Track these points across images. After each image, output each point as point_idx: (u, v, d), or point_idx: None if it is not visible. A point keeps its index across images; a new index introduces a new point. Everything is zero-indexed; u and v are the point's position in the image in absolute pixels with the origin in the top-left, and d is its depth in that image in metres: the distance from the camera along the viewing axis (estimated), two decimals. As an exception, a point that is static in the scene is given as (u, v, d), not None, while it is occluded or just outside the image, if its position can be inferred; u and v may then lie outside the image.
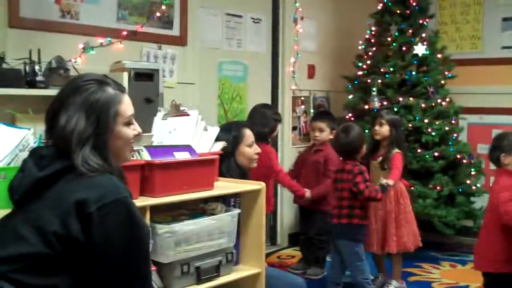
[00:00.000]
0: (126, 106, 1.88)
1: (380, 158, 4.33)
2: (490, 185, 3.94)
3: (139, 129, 1.95)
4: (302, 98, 5.89)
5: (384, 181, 4.02)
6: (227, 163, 3.13)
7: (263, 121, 4.39)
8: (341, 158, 4.13)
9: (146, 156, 2.49)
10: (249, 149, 3.28)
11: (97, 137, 1.78)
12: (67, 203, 1.68)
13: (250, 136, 3.31)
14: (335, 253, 4.13)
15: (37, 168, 1.75)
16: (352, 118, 5.52)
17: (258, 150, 3.33)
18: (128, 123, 1.89)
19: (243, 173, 3.22)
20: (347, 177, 3.96)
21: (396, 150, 4.31)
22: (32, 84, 3.47)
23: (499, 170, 3.51)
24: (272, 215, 5.55)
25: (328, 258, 4.81)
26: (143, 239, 1.77)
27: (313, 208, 4.77)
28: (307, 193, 4.66)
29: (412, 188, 4.87)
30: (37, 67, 3.51)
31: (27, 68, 3.50)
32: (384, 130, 4.33)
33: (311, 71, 6.03)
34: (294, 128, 5.84)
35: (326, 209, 4.67)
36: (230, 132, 3.22)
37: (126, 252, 1.72)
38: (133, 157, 2.49)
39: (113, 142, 1.83)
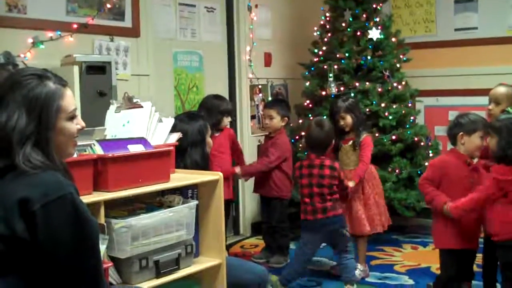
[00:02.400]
0: (69, 101, 1.82)
1: (351, 141, 4.38)
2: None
3: (83, 123, 1.90)
4: (260, 87, 5.87)
5: (350, 184, 4.17)
6: (193, 156, 3.16)
7: (209, 112, 4.35)
8: (312, 153, 4.10)
9: (98, 150, 2.44)
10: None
11: (39, 134, 1.73)
12: (10, 202, 1.62)
13: (208, 126, 3.43)
14: (314, 247, 4.12)
15: None
16: (310, 105, 5.52)
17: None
18: (71, 118, 1.84)
19: (205, 166, 3.27)
20: (331, 173, 3.97)
21: (365, 133, 4.43)
22: (-21, 81, 3.36)
23: (451, 150, 3.57)
24: (234, 205, 5.53)
25: (292, 246, 4.84)
26: (92, 235, 1.72)
27: (266, 195, 4.77)
28: (237, 169, 4.65)
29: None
30: (-16, 64, 3.41)
31: (-27, 64, 3.41)
32: (348, 120, 4.39)
33: (267, 59, 6.01)
34: (253, 117, 5.82)
35: (282, 195, 4.71)
36: (195, 122, 3.27)
37: (74, 250, 1.67)
38: (85, 151, 2.44)
39: (56, 138, 1.78)
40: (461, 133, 3.45)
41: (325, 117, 4.77)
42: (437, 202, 3.42)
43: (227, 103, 4.61)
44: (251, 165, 4.77)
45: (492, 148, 3.26)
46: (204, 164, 3.21)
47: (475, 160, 3.55)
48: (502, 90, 3.86)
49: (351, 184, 4.19)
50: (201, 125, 3.29)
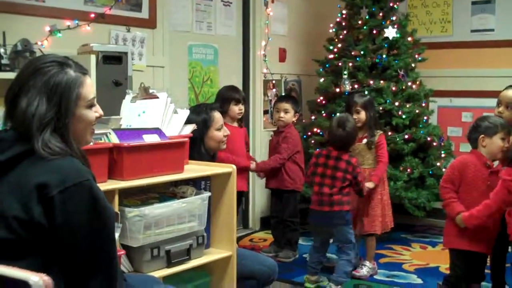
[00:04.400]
0: (88, 89, 1.84)
1: (365, 140, 4.37)
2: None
3: (101, 112, 1.92)
4: (274, 82, 5.87)
5: (369, 186, 4.21)
6: (197, 149, 3.12)
7: (220, 102, 4.39)
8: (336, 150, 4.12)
9: (114, 139, 2.46)
10: (219, 132, 3.31)
11: (58, 120, 1.75)
12: (28, 187, 1.64)
13: (220, 119, 3.34)
14: (320, 238, 4.16)
15: None
16: (324, 102, 5.52)
17: (227, 132, 3.39)
18: (90, 106, 1.86)
19: (211, 157, 3.25)
20: (346, 167, 4.00)
21: (379, 131, 4.44)
22: (-3, 67, 3.39)
23: (472, 152, 3.53)
24: (244, 198, 5.54)
25: (301, 241, 4.85)
26: (108, 222, 1.74)
27: (280, 187, 4.78)
28: (252, 165, 4.66)
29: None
30: (2, 50, 3.43)
31: (-8, 51, 3.43)
32: (361, 116, 4.38)
33: (282, 55, 6.01)
34: (265, 112, 5.83)
35: (294, 188, 4.73)
36: (200, 114, 3.21)
37: (91, 235, 1.69)
38: (101, 140, 2.46)
39: (75, 125, 1.80)
40: (482, 135, 3.43)
41: (338, 114, 4.77)
42: (451, 209, 3.43)
43: (236, 92, 4.60)
44: (264, 162, 4.78)
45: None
46: (200, 158, 3.11)
47: (496, 164, 3.53)
48: None
49: (370, 185, 4.22)
50: (202, 120, 3.22)
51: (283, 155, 4.68)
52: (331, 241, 4.22)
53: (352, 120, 4.15)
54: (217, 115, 3.33)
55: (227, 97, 4.49)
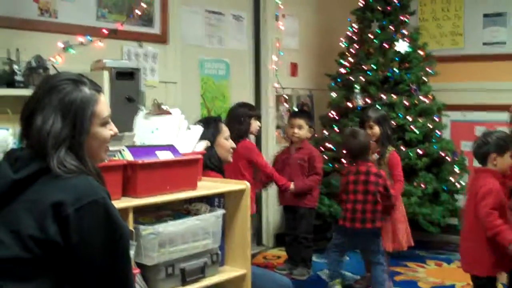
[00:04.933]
0: (103, 107, 1.84)
1: (375, 155, 4.34)
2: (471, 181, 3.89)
3: (115, 129, 1.91)
4: (285, 96, 5.85)
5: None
6: (209, 153, 3.16)
7: (239, 119, 4.40)
8: (356, 160, 4.12)
9: (128, 156, 2.44)
10: (226, 141, 3.47)
11: (73, 138, 1.74)
12: (44, 206, 1.63)
13: (226, 130, 3.51)
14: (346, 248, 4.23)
15: (12, 170, 1.69)
16: (336, 117, 5.50)
17: (233, 144, 3.52)
18: (105, 124, 1.85)
19: (221, 165, 3.37)
20: (376, 180, 3.99)
21: (391, 148, 4.39)
22: (11, 84, 3.41)
23: (483, 170, 3.41)
24: (257, 215, 5.51)
25: (315, 259, 4.82)
26: (123, 240, 1.72)
27: (300, 205, 4.74)
28: (292, 185, 4.64)
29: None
30: (16, 67, 3.45)
31: (6, 67, 3.43)
32: (375, 131, 4.36)
33: (293, 69, 6.00)
34: (277, 127, 5.81)
35: (312, 205, 4.69)
36: (208, 125, 3.32)
37: (106, 254, 1.67)
38: (114, 157, 2.44)
39: (89, 143, 1.79)
40: (494, 154, 3.35)
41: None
42: (503, 237, 3.19)
43: (253, 108, 4.63)
44: (304, 182, 4.71)
45: None
46: (212, 163, 3.28)
47: None
48: None
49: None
50: (211, 130, 3.36)
51: (320, 175, 4.72)
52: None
53: (363, 132, 4.17)
54: (223, 126, 3.51)
55: (249, 113, 4.48)
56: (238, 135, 4.27)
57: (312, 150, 4.79)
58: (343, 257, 4.30)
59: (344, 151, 4.38)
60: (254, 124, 4.49)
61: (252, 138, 4.66)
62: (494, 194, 3.28)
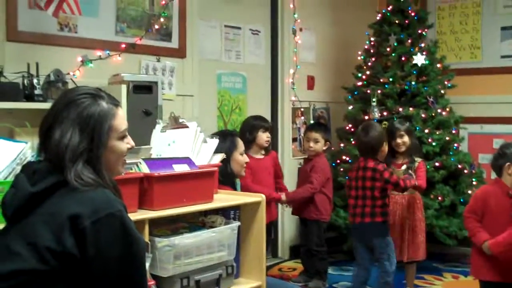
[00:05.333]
0: (120, 121, 1.86)
1: (404, 166, 4.32)
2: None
3: (132, 143, 1.94)
4: (302, 110, 5.88)
5: (410, 171, 4.18)
6: (224, 169, 3.17)
7: (247, 130, 4.47)
8: (361, 157, 4.16)
9: (144, 169, 2.47)
10: (241, 157, 3.46)
11: (91, 152, 1.76)
12: (61, 218, 1.65)
13: (242, 145, 3.50)
14: (360, 252, 4.18)
15: (30, 183, 1.72)
16: (352, 129, 5.50)
17: (247, 159, 3.53)
18: (122, 137, 1.87)
19: (234, 180, 3.39)
20: (372, 175, 4.00)
21: (419, 158, 4.41)
22: (30, 98, 3.46)
23: (496, 181, 3.46)
24: (273, 227, 5.51)
25: (331, 271, 4.80)
26: (139, 252, 1.75)
27: (306, 217, 4.75)
28: (283, 196, 4.64)
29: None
30: (35, 81, 3.51)
31: (25, 81, 3.50)
32: (406, 140, 4.39)
33: (310, 82, 6.02)
34: (294, 140, 5.82)
35: (317, 218, 4.68)
36: (225, 139, 3.29)
37: (122, 267, 1.69)
38: (131, 169, 2.47)
39: (107, 156, 1.82)
40: (508, 163, 3.37)
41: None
42: (477, 238, 3.38)
43: (263, 120, 4.64)
44: (295, 192, 4.75)
45: None
46: (225, 180, 3.21)
47: None
48: None
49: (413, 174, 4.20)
50: (228, 144, 3.35)
51: (314, 185, 4.65)
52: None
53: (378, 127, 4.17)
54: (240, 141, 3.50)
55: (256, 125, 4.51)
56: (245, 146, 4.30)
57: (318, 161, 4.74)
58: (368, 272, 4.22)
59: (357, 147, 4.43)
60: (263, 136, 4.51)
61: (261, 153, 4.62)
62: (475, 199, 3.49)
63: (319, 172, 4.69)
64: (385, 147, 4.13)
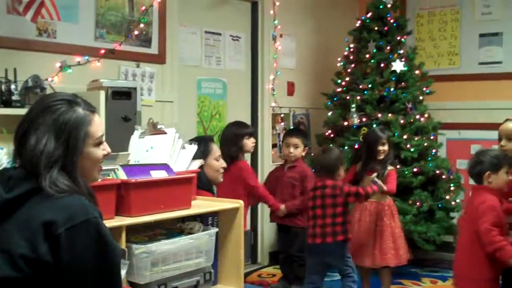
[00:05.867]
0: (96, 127, 1.86)
1: (375, 174, 4.34)
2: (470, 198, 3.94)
3: (109, 149, 1.93)
4: (282, 115, 5.90)
5: (375, 178, 4.17)
6: (201, 175, 3.16)
7: (231, 140, 4.43)
8: (320, 177, 4.18)
9: (122, 175, 2.46)
10: (217, 162, 3.46)
11: (66, 158, 1.75)
12: (35, 225, 1.64)
13: (217, 150, 3.50)
14: (314, 272, 4.15)
15: (5, 190, 1.71)
16: (332, 135, 5.53)
17: (224, 164, 3.51)
18: (98, 144, 1.87)
19: (211, 186, 3.37)
20: (332, 192, 4.01)
21: (391, 167, 4.44)
22: (8, 103, 3.45)
23: (481, 188, 3.43)
24: (252, 233, 5.52)
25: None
26: (114, 260, 1.74)
27: (291, 225, 4.75)
28: (282, 206, 4.65)
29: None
30: (13, 86, 3.49)
31: (3, 87, 3.49)
32: (386, 148, 4.45)
33: (290, 88, 6.04)
34: (274, 146, 5.84)
35: (303, 225, 4.68)
36: (199, 145, 3.26)
37: (97, 274, 1.68)
38: (108, 176, 2.47)
39: (82, 163, 1.81)
40: (488, 172, 3.38)
41: (346, 147, 4.81)
42: (505, 253, 3.22)
43: (246, 126, 4.64)
44: (293, 203, 4.71)
45: None
46: (199, 186, 3.14)
47: None
48: None
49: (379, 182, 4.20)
50: (201, 151, 3.27)
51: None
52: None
53: (337, 151, 4.22)
54: (214, 146, 3.50)
55: (240, 133, 4.50)
56: (231, 155, 4.30)
57: (306, 169, 4.77)
58: (322, 277, 4.25)
59: (313, 167, 4.48)
60: (248, 142, 4.51)
61: (247, 156, 4.66)
62: (495, 211, 3.32)
63: (312, 181, 4.71)
64: (341, 171, 4.14)
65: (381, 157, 4.42)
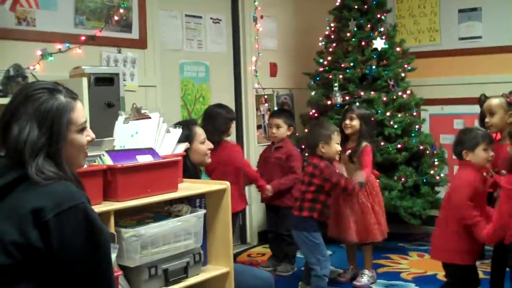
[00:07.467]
0: (79, 114, 1.87)
1: (349, 151, 4.38)
2: (454, 174, 4.02)
3: (93, 135, 1.94)
4: (266, 97, 5.91)
5: (359, 179, 4.17)
6: (184, 167, 3.15)
7: (216, 122, 4.41)
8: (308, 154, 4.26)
9: (108, 161, 2.48)
10: (202, 145, 3.42)
11: (51, 146, 1.77)
12: (24, 212, 1.66)
13: (202, 133, 3.45)
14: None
15: None
16: (316, 114, 5.56)
17: (211, 145, 3.47)
18: (81, 130, 1.88)
19: (197, 171, 3.34)
20: (312, 171, 4.07)
21: (365, 143, 4.40)
22: (-11, 93, 3.42)
23: (462, 164, 3.52)
24: (241, 213, 5.55)
25: (299, 255, 4.86)
26: (104, 244, 1.76)
27: (279, 205, 4.79)
28: (268, 186, 4.69)
29: (377, 180, 4.93)
30: (-6, 76, 3.47)
31: (-16, 77, 3.46)
32: (354, 123, 4.43)
33: (273, 69, 6.05)
34: (258, 127, 5.86)
35: (292, 204, 4.72)
36: (182, 130, 3.24)
37: (87, 258, 1.71)
38: (94, 162, 2.48)
39: (67, 150, 1.82)
40: (465, 150, 3.46)
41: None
42: (479, 228, 3.31)
43: (231, 111, 4.67)
44: (280, 182, 4.75)
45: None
46: (187, 176, 3.08)
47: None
48: (495, 101, 3.97)
49: (362, 179, 4.22)
50: (184, 136, 3.16)
51: (298, 175, 4.70)
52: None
53: (317, 128, 4.18)
54: (198, 129, 3.44)
55: (230, 117, 4.51)
56: (220, 137, 4.31)
57: (291, 149, 4.83)
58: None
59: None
60: (232, 126, 4.55)
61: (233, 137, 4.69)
62: (470, 185, 3.39)
63: (298, 160, 4.79)
64: (326, 149, 4.07)
65: (348, 131, 4.43)
